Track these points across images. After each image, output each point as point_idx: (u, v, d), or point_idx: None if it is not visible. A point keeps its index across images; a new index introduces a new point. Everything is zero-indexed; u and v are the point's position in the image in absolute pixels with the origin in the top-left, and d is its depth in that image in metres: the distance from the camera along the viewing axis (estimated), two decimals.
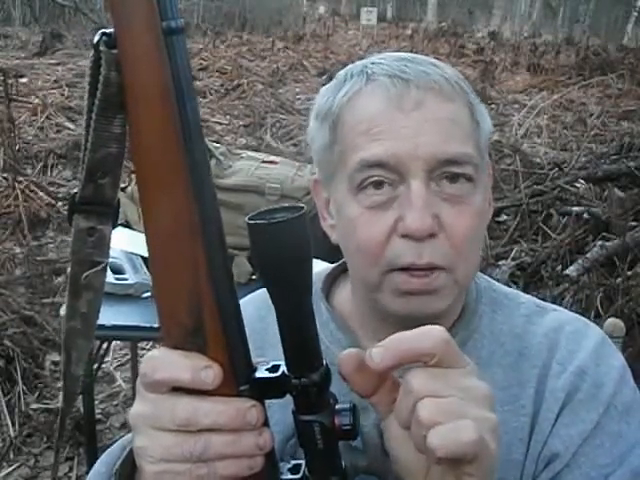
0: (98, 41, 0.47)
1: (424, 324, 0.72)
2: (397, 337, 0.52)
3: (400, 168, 0.67)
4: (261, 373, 0.52)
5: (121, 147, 0.49)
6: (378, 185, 0.69)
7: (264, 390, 0.52)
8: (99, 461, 0.74)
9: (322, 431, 0.52)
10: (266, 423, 0.52)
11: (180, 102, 0.47)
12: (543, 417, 0.73)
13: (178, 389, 0.50)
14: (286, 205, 0.49)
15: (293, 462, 0.56)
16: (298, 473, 0.55)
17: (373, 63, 0.72)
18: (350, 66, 0.75)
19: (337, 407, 0.53)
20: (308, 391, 0.52)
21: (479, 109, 0.73)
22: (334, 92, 0.73)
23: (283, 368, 0.52)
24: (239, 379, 0.51)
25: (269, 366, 0.53)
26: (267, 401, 0.53)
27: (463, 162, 0.69)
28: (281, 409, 0.58)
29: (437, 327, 0.53)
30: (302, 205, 0.49)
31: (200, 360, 0.50)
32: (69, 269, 0.51)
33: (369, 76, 0.71)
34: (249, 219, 0.48)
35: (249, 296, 0.86)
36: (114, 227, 0.52)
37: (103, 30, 0.47)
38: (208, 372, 0.49)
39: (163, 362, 0.50)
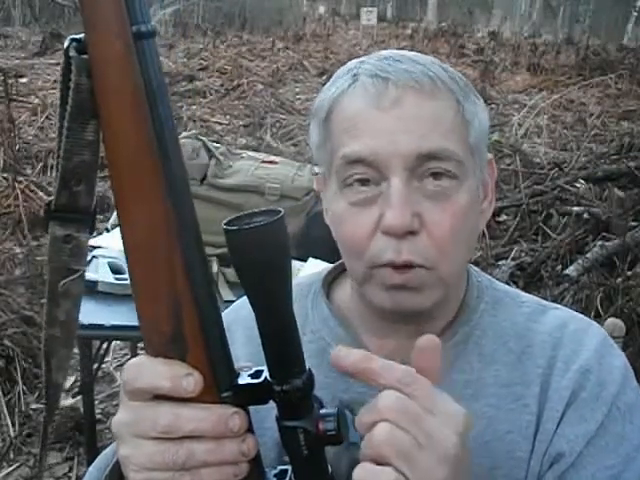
0: (68, 47, 0.47)
1: (414, 319, 0.73)
2: (369, 356, 0.53)
3: (380, 165, 0.68)
4: (243, 379, 0.52)
5: (95, 154, 0.49)
6: (363, 182, 0.70)
7: (247, 396, 0.52)
8: (93, 465, 0.74)
9: (306, 437, 0.52)
10: (250, 429, 0.52)
11: (153, 107, 0.47)
12: (548, 416, 0.73)
13: (160, 397, 0.50)
14: (264, 209, 0.49)
15: (280, 467, 0.55)
16: (284, 479, 0.55)
17: (362, 62, 0.74)
18: (346, 64, 0.76)
19: (321, 412, 0.52)
20: (291, 397, 0.51)
21: (469, 107, 0.72)
22: (326, 90, 0.75)
23: (266, 374, 0.52)
24: (221, 386, 0.51)
25: (252, 372, 0.52)
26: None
27: (444, 157, 0.69)
28: (273, 411, 0.58)
29: (403, 368, 0.52)
30: (280, 209, 0.48)
31: (180, 368, 0.49)
32: (46, 277, 0.51)
33: (354, 76, 0.72)
34: (225, 224, 0.48)
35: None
36: (91, 234, 0.51)
37: (73, 36, 0.47)
38: (188, 380, 0.49)
39: (143, 370, 0.50)
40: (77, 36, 0.47)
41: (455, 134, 0.70)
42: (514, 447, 0.72)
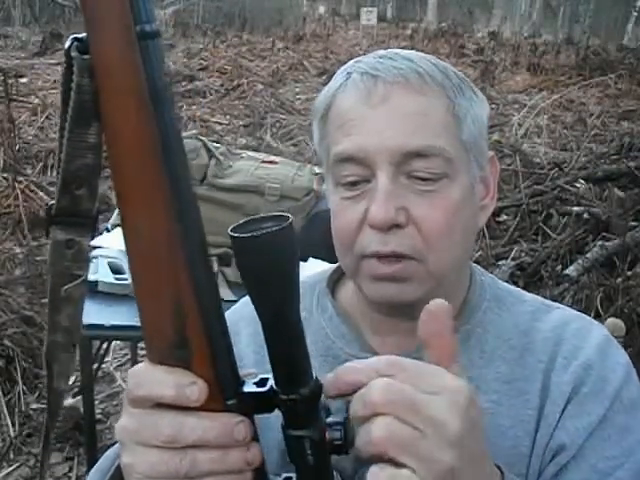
0: (69, 47, 0.45)
1: (408, 313, 0.73)
2: (337, 376, 0.51)
3: (368, 161, 0.70)
4: (249, 387, 0.50)
5: (97, 157, 0.48)
6: (353, 184, 0.72)
7: (252, 405, 0.50)
8: (96, 467, 0.74)
9: (312, 446, 0.50)
10: (255, 438, 0.51)
11: (157, 108, 0.45)
12: (549, 410, 0.73)
13: (163, 405, 0.49)
14: (273, 214, 0.48)
15: (284, 475, 0.54)
16: None
17: (357, 62, 0.75)
18: (345, 64, 0.78)
19: (328, 421, 0.51)
20: (297, 406, 0.49)
21: (462, 104, 0.72)
22: (325, 90, 0.77)
23: (271, 382, 0.50)
24: (226, 393, 0.49)
25: (257, 380, 0.51)
26: None
27: (431, 155, 0.69)
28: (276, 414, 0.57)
29: (377, 360, 0.50)
30: (288, 215, 0.47)
31: (184, 376, 0.48)
32: (48, 282, 0.49)
33: (347, 74, 0.74)
34: (232, 231, 0.46)
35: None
36: (93, 239, 0.50)
37: (75, 35, 0.45)
38: (193, 388, 0.48)
39: (146, 378, 0.49)
40: (79, 35, 0.45)
41: (445, 130, 0.70)
42: (517, 442, 0.73)
